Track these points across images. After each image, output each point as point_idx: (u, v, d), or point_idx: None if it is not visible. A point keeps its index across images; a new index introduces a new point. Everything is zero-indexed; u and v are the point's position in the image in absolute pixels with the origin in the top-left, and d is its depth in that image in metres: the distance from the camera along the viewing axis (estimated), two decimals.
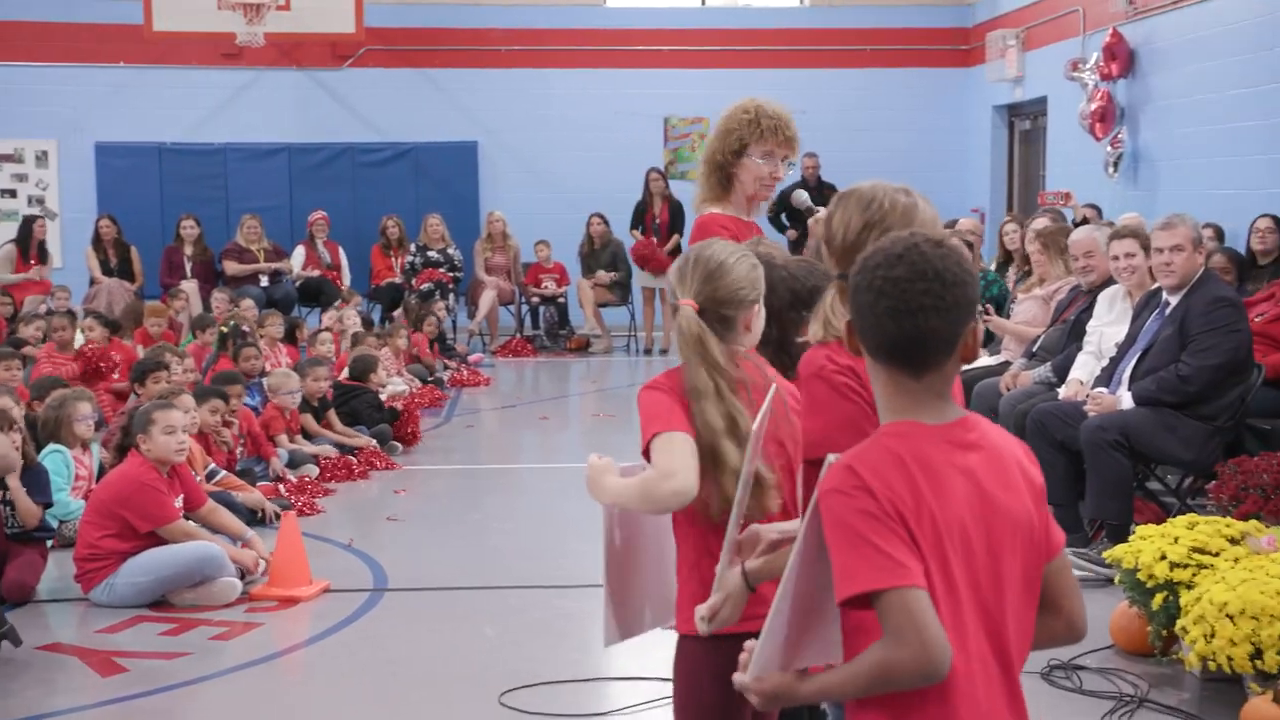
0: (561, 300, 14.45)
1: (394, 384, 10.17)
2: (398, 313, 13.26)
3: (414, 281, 13.86)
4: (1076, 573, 5.81)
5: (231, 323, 9.54)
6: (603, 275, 14.16)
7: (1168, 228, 6.05)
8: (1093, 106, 11.55)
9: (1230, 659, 4.18)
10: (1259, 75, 9.36)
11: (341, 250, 14.34)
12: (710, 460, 2.67)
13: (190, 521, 5.94)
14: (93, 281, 13.75)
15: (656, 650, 2.88)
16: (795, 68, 15.56)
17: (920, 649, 1.92)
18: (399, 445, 9.05)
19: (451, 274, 14.06)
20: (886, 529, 1.96)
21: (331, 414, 8.79)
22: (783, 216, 14.02)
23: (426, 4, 15.47)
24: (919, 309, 2.03)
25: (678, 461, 2.63)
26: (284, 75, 15.40)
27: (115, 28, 14.63)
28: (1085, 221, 9.36)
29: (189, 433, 6.28)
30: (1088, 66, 11.69)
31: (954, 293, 2.05)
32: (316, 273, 14.01)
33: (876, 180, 2.97)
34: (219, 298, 11.92)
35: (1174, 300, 6.06)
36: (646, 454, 2.71)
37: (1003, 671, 2.08)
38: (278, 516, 6.69)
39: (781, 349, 3.05)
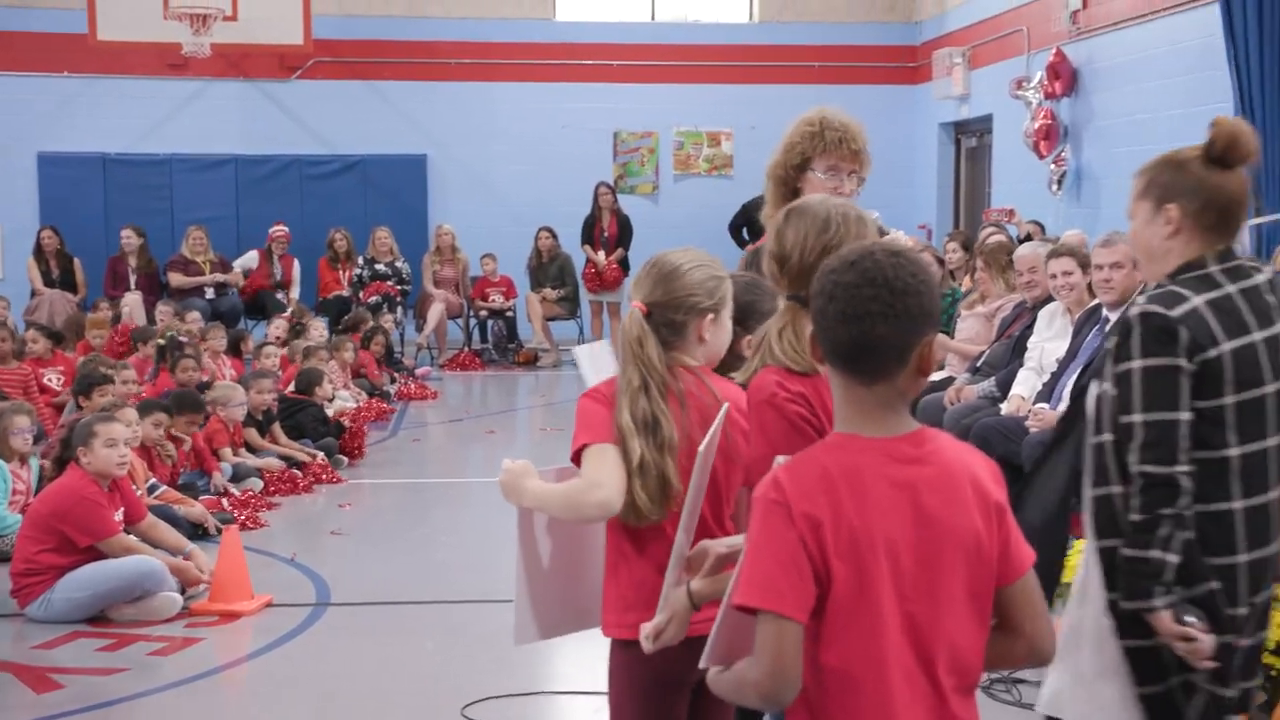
0: (510, 314, 14.43)
1: (340, 398, 10.12)
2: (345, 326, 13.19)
3: (361, 295, 13.81)
4: None
5: (170, 334, 9.43)
6: (549, 293, 14.16)
7: (1107, 245, 6.11)
8: (1036, 125, 11.68)
9: None
10: (1198, 95, 9.49)
11: (296, 265, 14.25)
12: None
13: (131, 536, 5.88)
14: (34, 293, 13.59)
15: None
16: (744, 84, 15.65)
17: (767, 675, 2.01)
18: (344, 459, 9.00)
19: (399, 287, 14.02)
20: (786, 554, 2.01)
21: (276, 427, 8.73)
22: (744, 230, 14.10)
23: (375, 17, 15.42)
24: (865, 314, 2.05)
25: (605, 473, 2.66)
26: (231, 86, 15.30)
27: (59, 37, 14.48)
28: (1029, 238, 9.46)
29: (130, 446, 6.22)
30: (1032, 85, 11.83)
31: (904, 301, 2.06)
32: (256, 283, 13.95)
33: (822, 196, 3.00)
34: (163, 310, 11.81)
35: (1113, 316, 6.12)
36: (576, 460, 2.72)
37: (929, 683, 2.09)
38: (219, 530, 6.63)
39: (721, 362, 3.08)
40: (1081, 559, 2.94)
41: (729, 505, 2.80)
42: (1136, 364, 2.75)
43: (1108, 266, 6.07)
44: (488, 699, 4.77)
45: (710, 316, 2.84)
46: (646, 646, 2.53)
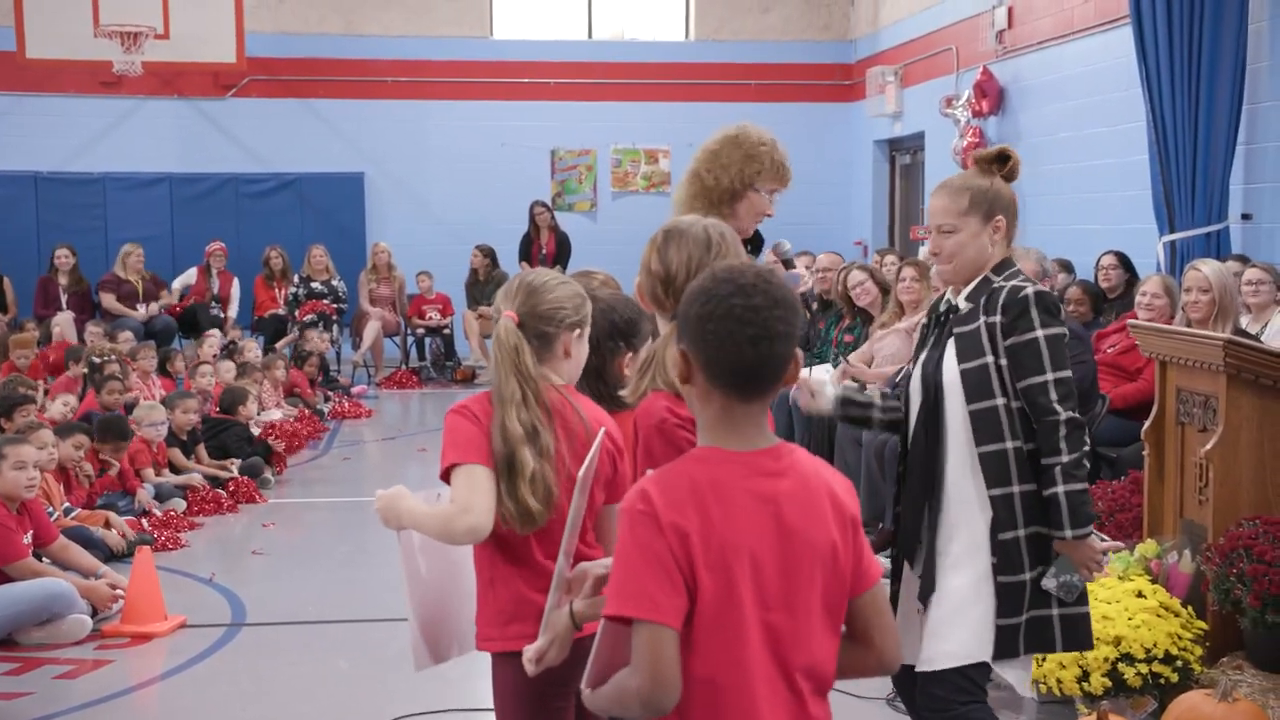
0: (447, 331, 14.43)
1: (269, 415, 10.07)
2: (281, 344, 13.15)
3: (297, 313, 13.76)
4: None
5: (91, 358, 9.36)
6: (485, 310, 14.17)
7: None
8: (965, 142, 11.82)
9: (1060, 681, 4.30)
10: (1116, 115, 9.65)
11: (236, 283, 14.18)
12: (505, 468, 2.72)
13: (37, 560, 5.83)
14: None
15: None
16: (681, 101, 15.73)
17: (648, 682, 2.02)
18: (271, 479, 8.97)
19: (335, 305, 13.97)
20: (656, 563, 2.03)
21: (200, 449, 8.69)
22: None
23: (311, 34, 15.40)
24: (775, 335, 2.10)
25: (476, 497, 2.69)
26: (165, 104, 15.22)
27: None
28: None
29: (45, 469, 6.18)
30: (960, 103, 11.98)
31: (796, 319, 2.15)
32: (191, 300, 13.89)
33: (694, 217, 3.05)
34: (93, 330, 11.71)
35: None
36: (445, 478, 2.75)
37: (789, 689, 2.14)
38: (130, 551, 6.58)
39: (599, 378, 3.12)
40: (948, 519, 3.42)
41: (594, 524, 2.84)
42: (1040, 333, 3.31)
43: None
44: (405, 717, 4.77)
45: (576, 332, 2.90)
46: (530, 669, 2.55)
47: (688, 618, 2.07)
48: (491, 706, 4.70)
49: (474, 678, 3.88)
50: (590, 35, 16.31)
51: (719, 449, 2.15)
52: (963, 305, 3.44)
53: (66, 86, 14.74)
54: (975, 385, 3.35)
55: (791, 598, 2.13)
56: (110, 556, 6.66)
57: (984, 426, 3.34)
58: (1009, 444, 3.32)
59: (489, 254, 14.36)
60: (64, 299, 13.48)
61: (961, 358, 3.38)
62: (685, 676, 2.07)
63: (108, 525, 6.96)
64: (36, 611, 5.58)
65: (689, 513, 2.06)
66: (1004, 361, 3.32)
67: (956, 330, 3.41)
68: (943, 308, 3.52)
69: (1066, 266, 9.20)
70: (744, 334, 2.11)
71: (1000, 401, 3.32)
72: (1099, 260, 8.63)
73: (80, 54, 13.38)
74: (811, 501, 2.16)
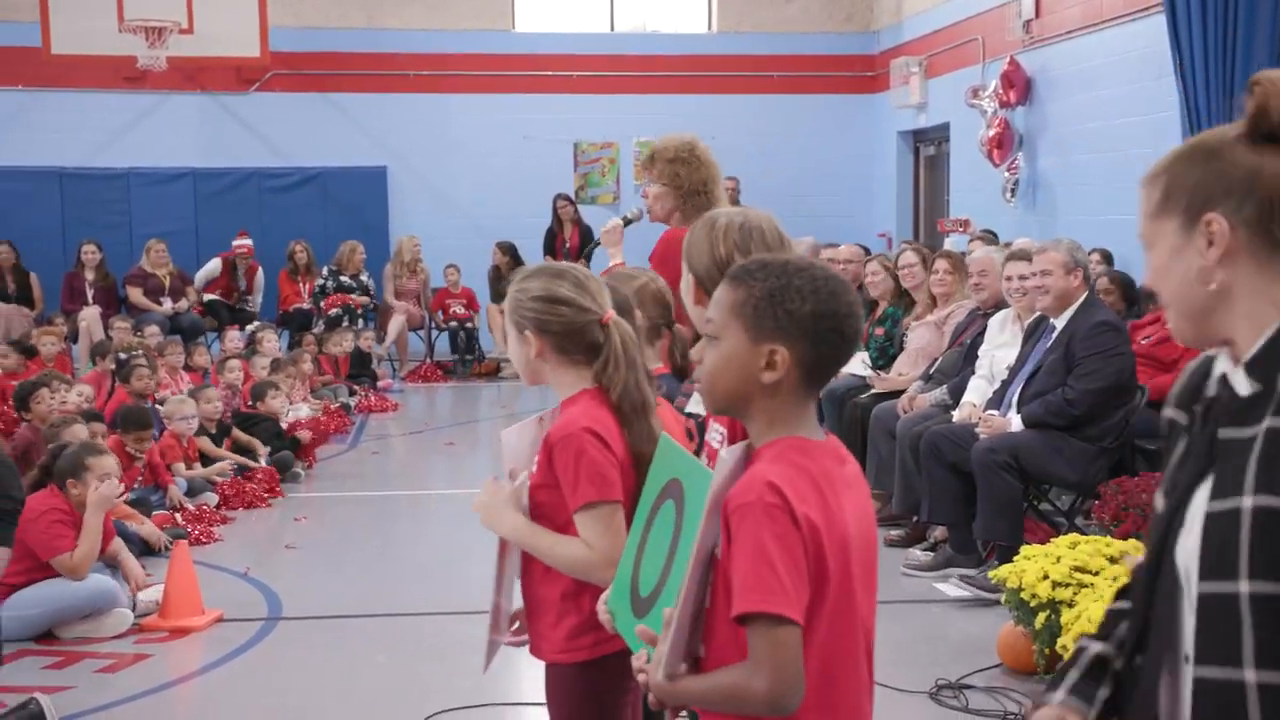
0: (471, 325, 14.43)
1: (297, 410, 10.08)
2: (307, 338, 13.16)
3: (323, 304, 13.77)
4: (962, 594, 5.92)
5: (120, 353, 9.39)
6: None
7: (1039, 252, 6.27)
8: (990, 133, 11.77)
9: None
10: (1147, 104, 9.59)
11: (261, 273, 14.20)
12: (638, 475, 2.63)
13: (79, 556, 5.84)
14: None
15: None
16: (703, 93, 15.69)
17: (774, 684, 1.98)
18: (301, 473, 8.97)
19: (364, 299, 13.96)
20: (790, 558, 2.00)
21: (236, 434, 8.72)
22: None
23: (333, 29, 15.39)
24: (860, 332, 2.17)
25: (620, 548, 2.53)
26: (188, 99, 15.23)
27: (13, 50, 14.38)
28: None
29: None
30: (987, 94, 11.92)
31: None
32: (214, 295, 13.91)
33: (729, 208, 3.02)
34: (120, 325, 11.74)
35: (1059, 325, 6.19)
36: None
37: (869, 673, 2.17)
38: (168, 548, 6.59)
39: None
40: None
41: None
42: None
43: (1038, 274, 6.19)
44: (447, 711, 4.76)
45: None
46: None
47: (808, 613, 2.05)
48: (529, 702, 4.73)
49: (511, 674, 3.88)
50: (612, 28, 16.28)
51: (806, 439, 2.14)
52: (1242, 386, 1.76)
53: (90, 82, 14.75)
54: (1217, 549, 1.71)
55: (869, 582, 2.16)
56: (145, 551, 6.68)
57: (1211, 630, 1.72)
58: (1248, 675, 1.67)
59: (509, 250, 14.34)
60: (90, 294, 13.53)
61: (1217, 492, 1.74)
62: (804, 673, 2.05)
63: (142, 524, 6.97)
64: (82, 606, 5.60)
65: (815, 505, 2.04)
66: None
67: (1224, 435, 1.76)
68: (1211, 388, 1.85)
69: (1107, 258, 9.14)
70: (852, 330, 2.15)
71: (1244, 588, 1.67)
72: None
73: (105, 49, 13.40)
74: (863, 485, 2.21)
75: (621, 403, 2.77)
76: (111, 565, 6.04)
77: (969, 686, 4.89)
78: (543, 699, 4.45)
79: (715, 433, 2.74)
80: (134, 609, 5.84)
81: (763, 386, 2.12)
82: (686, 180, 4.90)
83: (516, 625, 2.96)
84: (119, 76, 14.59)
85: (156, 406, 8.55)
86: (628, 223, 5.36)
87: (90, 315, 13.09)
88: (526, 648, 2.91)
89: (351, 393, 12.14)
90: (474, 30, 15.66)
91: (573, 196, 14.99)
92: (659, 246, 4.79)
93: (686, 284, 2.84)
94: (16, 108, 14.84)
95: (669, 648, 2.10)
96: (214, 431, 8.58)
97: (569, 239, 14.37)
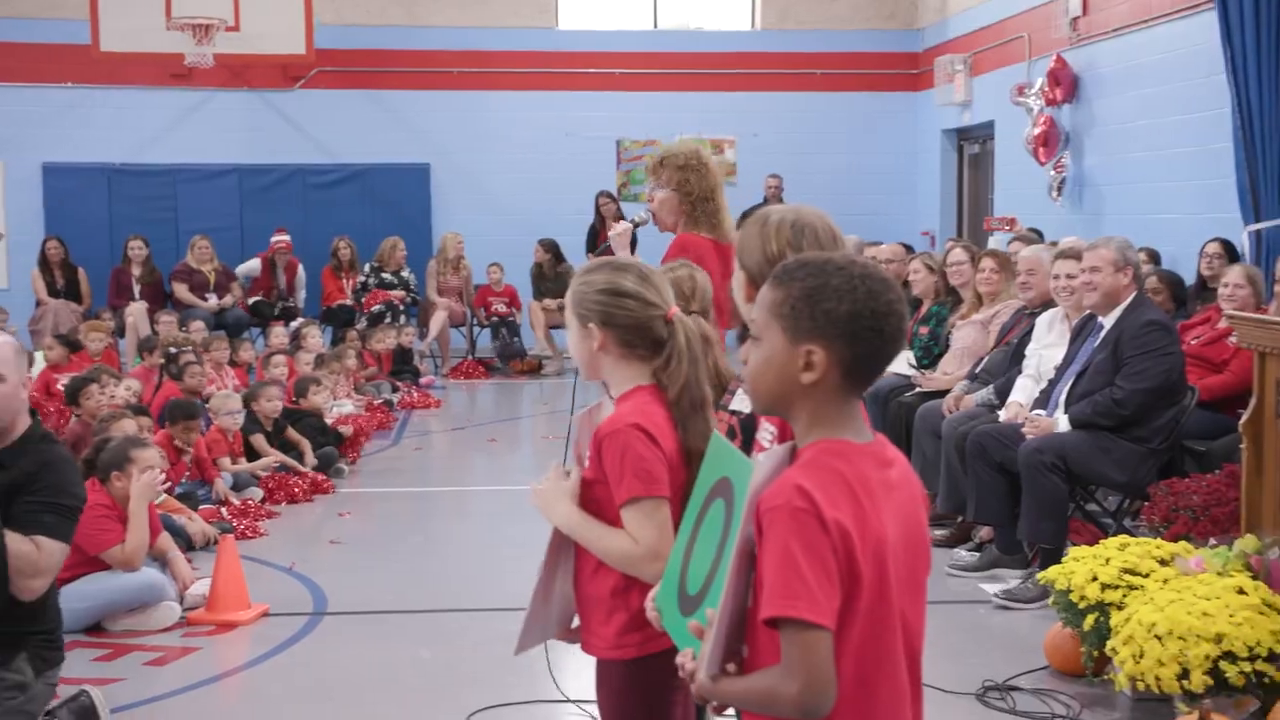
0: (513, 321, 14.47)
1: (340, 405, 10.13)
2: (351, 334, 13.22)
3: (364, 300, 13.84)
4: (1007, 603, 5.87)
5: (171, 349, 9.46)
6: (549, 303, 14.17)
7: (1089, 249, 6.20)
8: (1036, 131, 11.68)
9: (1158, 679, 4.22)
10: (1196, 102, 9.50)
11: (301, 269, 14.28)
12: (691, 472, 2.60)
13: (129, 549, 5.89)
14: (39, 303, 13.64)
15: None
16: (746, 91, 15.67)
17: (805, 689, 1.98)
18: (344, 469, 9.02)
19: (407, 295, 14.02)
20: (819, 562, 1.99)
21: (289, 432, 8.78)
22: None
23: (377, 26, 15.46)
24: (904, 330, 2.14)
25: (665, 543, 2.56)
26: (234, 96, 15.34)
27: (63, 47, 14.53)
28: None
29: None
30: (1033, 91, 11.83)
31: None
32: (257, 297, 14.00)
33: (781, 205, 3.01)
34: (166, 320, 11.83)
35: (1108, 324, 6.13)
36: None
37: (912, 679, 2.15)
38: (215, 542, 6.64)
39: None
40: None
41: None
42: None
43: (1087, 270, 6.13)
44: (493, 707, 4.77)
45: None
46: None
47: (840, 617, 2.03)
48: (573, 699, 4.73)
49: (556, 671, 3.87)
50: (655, 25, 16.28)
51: (847, 442, 2.12)
52: None
53: (138, 79, 14.89)
54: None
55: (914, 585, 2.15)
56: (191, 545, 6.73)
57: None
58: None
59: (551, 248, 14.36)
60: (137, 290, 13.65)
61: None
62: (838, 677, 2.03)
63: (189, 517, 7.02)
64: (131, 599, 5.64)
65: (846, 509, 2.03)
66: None
67: None
68: None
69: (1154, 257, 9.05)
70: (892, 329, 2.12)
71: None
72: (1203, 248, 8.48)
73: (153, 47, 13.52)
74: (912, 488, 2.19)
75: (680, 399, 2.76)
76: (159, 559, 6.09)
77: (1016, 688, 4.86)
78: (586, 697, 4.50)
79: (766, 432, 2.73)
80: (181, 603, 5.88)
81: (802, 387, 2.11)
82: (696, 187, 5.02)
83: (576, 623, 2.96)
84: (166, 74, 14.72)
85: (202, 402, 8.62)
86: (636, 226, 5.39)
87: (137, 310, 13.21)
88: (578, 645, 2.91)
89: (394, 389, 12.19)
90: (517, 28, 15.69)
91: (615, 194, 14.98)
92: (673, 251, 4.85)
93: (738, 282, 2.83)
94: (66, 105, 14.99)
95: (712, 648, 2.10)
96: (269, 430, 8.63)
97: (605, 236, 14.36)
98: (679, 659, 2.19)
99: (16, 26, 14.76)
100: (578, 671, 4.05)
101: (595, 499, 2.76)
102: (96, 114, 15.04)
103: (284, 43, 14.02)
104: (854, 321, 2.08)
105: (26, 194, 15.06)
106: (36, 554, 3.45)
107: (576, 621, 2.95)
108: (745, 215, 11.69)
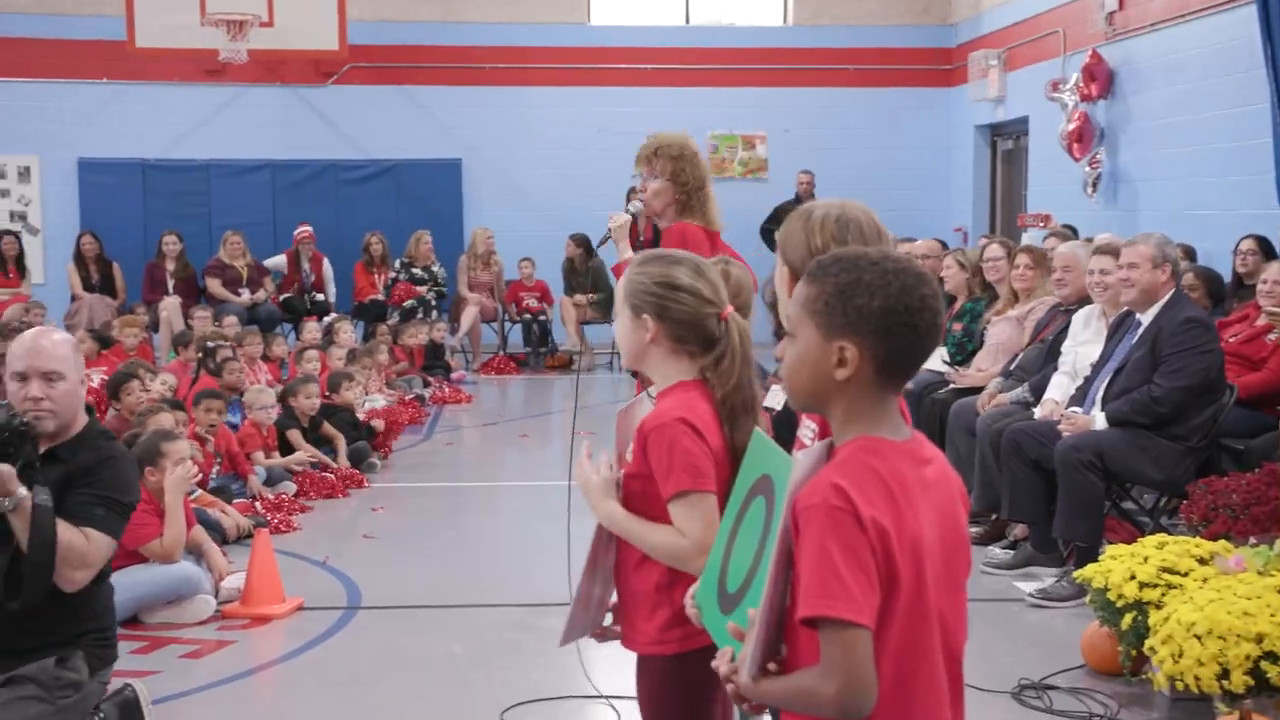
0: (544, 318, 14.48)
1: (372, 400, 10.16)
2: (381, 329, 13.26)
3: (390, 295, 13.89)
4: (1042, 602, 5.83)
5: (207, 343, 9.52)
6: (580, 299, 14.17)
7: (1128, 245, 6.16)
8: (1071, 127, 11.61)
9: (1198, 679, 4.18)
10: (1235, 97, 9.41)
11: (327, 263, 14.33)
12: (734, 470, 2.59)
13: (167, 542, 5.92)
14: (74, 298, 13.74)
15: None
16: (778, 86, 15.63)
17: (844, 688, 1.96)
18: (377, 463, 9.04)
19: (435, 290, 14.04)
20: (856, 562, 1.97)
21: (324, 427, 8.81)
22: (774, 234, 14.10)
23: (409, 22, 15.50)
24: (939, 325, 2.11)
25: (712, 537, 2.54)
26: (267, 92, 15.41)
27: (98, 44, 14.62)
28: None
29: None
30: (1067, 87, 11.75)
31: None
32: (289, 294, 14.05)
33: (825, 200, 2.99)
34: (200, 315, 11.90)
35: (1146, 320, 6.08)
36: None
37: (950, 678, 2.14)
38: (250, 534, 6.67)
39: None
40: None
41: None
42: None
43: (1125, 267, 6.08)
44: (526, 703, 4.77)
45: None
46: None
47: (879, 617, 2.02)
48: (608, 696, 4.73)
49: (591, 667, 3.86)
50: (687, 20, 16.25)
51: (883, 439, 2.11)
52: None
53: (172, 75, 14.97)
54: None
55: (953, 585, 2.13)
56: (226, 539, 6.76)
57: None
58: None
59: (582, 243, 14.36)
60: (171, 284, 13.73)
61: None
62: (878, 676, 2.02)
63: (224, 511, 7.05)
64: (167, 592, 5.68)
65: (884, 507, 2.02)
66: None
67: None
68: None
69: (1190, 254, 8.98)
70: (926, 324, 2.09)
71: None
72: (1237, 245, 8.41)
73: (188, 43, 13.58)
74: (948, 485, 2.17)
75: (730, 398, 2.76)
76: (194, 552, 6.11)
77: (1052, 687, 4.82)
78: (620, 693, 4.50)
79: (807, 429, 2.72)
80: (216, 596, 5.91)
81: (836, 383, 2.09)
82: (690, 177, 5.14)
83: (610, 619, 2.95)
84: (200, 69, 14.80)
85: (237, 397, 8.65)
86: (634, 218, 5.47)
87: (171, 305, 13.29)
88: (617, 641, 2.90)
89: (425, 384, 12.22)
90: (549, 23, 15.69)
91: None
92: (674, 240, 4.97)
93: (781, 277, 2.82)
94: (101, 100, 15.09)
95: (753, 648, 2.09)
96: (306, 426, 8.66)
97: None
98: (719, 659, 2.18)
99: (54, 23, 14.86)
100: (610, 667, 4.05)
101: (638, 493, 2.75)
102: (131, 110, 15.13)
103: (317, 38, 14.06)
104: (887, 317, 2.06)
105: (62, 189, 15.17)
106: (85, 546, 3.47)
107: (609, 620, 2.95)
108: (777, 211, 11.82)
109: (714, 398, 2.77)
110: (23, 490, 3.36)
